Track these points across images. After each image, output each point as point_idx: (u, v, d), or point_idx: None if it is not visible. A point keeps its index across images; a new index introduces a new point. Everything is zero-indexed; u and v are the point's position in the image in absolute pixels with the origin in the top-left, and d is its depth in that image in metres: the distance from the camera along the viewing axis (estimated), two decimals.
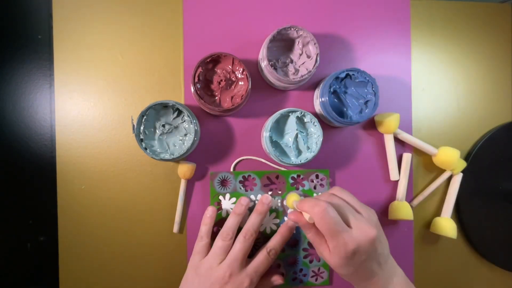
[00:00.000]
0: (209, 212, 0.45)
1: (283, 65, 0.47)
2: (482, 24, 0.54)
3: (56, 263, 0.47)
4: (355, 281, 0.39)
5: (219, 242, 0.42)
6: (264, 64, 0.45)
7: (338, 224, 0.35)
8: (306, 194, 0.49)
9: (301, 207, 0.39)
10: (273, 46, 0.46)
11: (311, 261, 0.49)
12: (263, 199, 0.46)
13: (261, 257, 0.43)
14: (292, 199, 0.45)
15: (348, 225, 0.37)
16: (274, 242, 0.45)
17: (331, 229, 0.35)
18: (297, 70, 0.46)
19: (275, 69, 0.46)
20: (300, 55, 0.46)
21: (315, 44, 0.44)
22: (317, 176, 0.49)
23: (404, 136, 0.50)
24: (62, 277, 0.47)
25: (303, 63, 0.46)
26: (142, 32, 0.48)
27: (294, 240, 0.49)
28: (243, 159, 0.49)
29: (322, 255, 0.39)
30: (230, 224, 0.44)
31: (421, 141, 0.50)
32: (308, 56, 0.46)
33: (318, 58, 0.44)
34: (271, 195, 0.48)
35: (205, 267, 0.41)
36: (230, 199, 0.48)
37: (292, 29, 0.44)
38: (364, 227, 0.36)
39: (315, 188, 0.49)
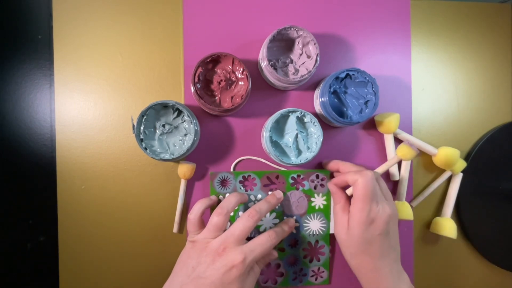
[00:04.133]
0: (212, 197, 0.46)
1: (283, 65, 0.47)
2: (482, 24, 0.54)
3: (56, 263, 0.47)
4: (365, 264, 0.42)
5: (213, 218, 0.41)
6: (264, 64, 0.45)
7: (373, 196, 0.41)
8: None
9: (343, 178, 0.44)
10: (273, 46, 0.46)
11: (311, 261, 0.49)
12: (275, 192, 0.47)
13: (261, 237, 0.41)
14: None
15: (377, 202, 0.42)
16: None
17: (367, 195, 0.40)
18: (297, 70, 0.46)
19: (275, 69, 0.46)
20: (300, 55, 0.46)
21: (315, 44, 0.44)
22: (317, 176, 0.49)
23: (404, 136, 0.50)
24: (62, 277, 0.47)
25: (303, 63, 0.46)
26: (142, 32, 0.48)
27: (294, 240, 0.49)
28: (243, 159, 0.49)
29: (341, 224, 0.43)
30: (227, 201, 0.42)
31: (421, 141, 0.50)
32: (308, 56, 0.46)
33: (318, 58, 0.44)
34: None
35: (200, 241, 0.41)
36: None
37: (292, 29, 0.44)
38: (386, 207, 0.41)
39: (315, 188, 0.49)
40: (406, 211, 0.48)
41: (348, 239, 0.42)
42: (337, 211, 0.45)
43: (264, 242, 0.41)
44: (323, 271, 0.50)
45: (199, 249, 0.40)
